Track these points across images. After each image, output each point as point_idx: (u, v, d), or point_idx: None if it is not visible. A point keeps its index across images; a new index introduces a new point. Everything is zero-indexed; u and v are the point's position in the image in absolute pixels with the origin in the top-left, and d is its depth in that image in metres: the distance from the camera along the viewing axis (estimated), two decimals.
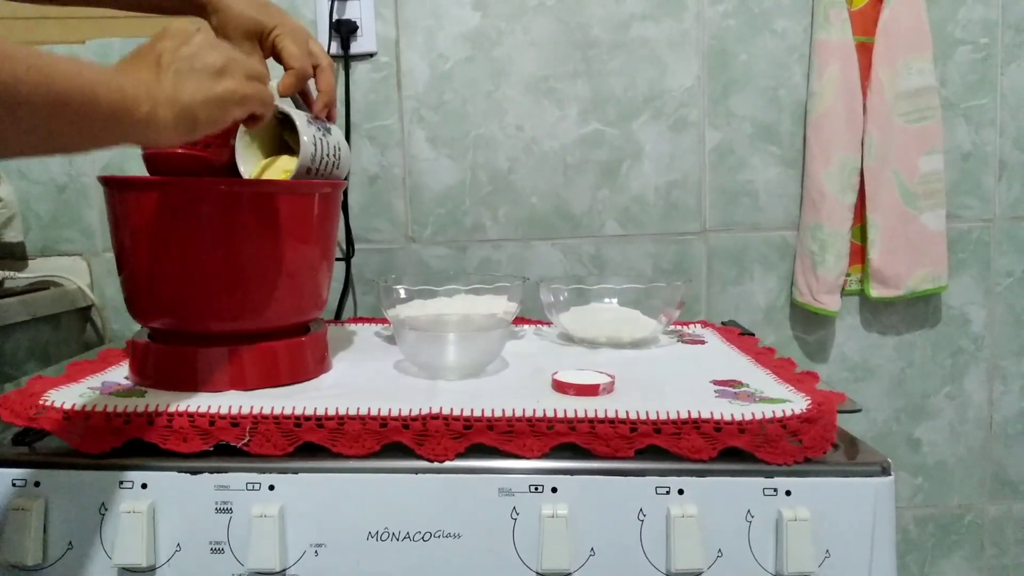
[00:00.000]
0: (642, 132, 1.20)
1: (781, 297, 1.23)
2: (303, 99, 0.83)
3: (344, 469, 0.65)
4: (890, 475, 0.64)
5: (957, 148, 1.20)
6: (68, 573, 0.65)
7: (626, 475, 0.64)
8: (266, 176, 0.79)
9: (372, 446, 0.66)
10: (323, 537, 0.64)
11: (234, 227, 0.73)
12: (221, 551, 0.64)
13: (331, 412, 0.67)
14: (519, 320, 1.09)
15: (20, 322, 1.05)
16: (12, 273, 1.19)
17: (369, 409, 0.67)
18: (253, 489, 0.65)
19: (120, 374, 0.80)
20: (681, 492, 0.63)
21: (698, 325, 1.10)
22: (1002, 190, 1.21)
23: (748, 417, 0.65)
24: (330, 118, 0.82)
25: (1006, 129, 1.20)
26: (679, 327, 1.08)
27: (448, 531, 0.64)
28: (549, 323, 1.05)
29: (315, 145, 0.77)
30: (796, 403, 0.68)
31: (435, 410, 0.66)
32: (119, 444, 0.66)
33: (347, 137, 1.18)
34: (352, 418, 0.66)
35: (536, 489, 0.64)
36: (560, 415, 0.66)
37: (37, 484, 0.66)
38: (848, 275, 1.19)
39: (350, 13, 1.17)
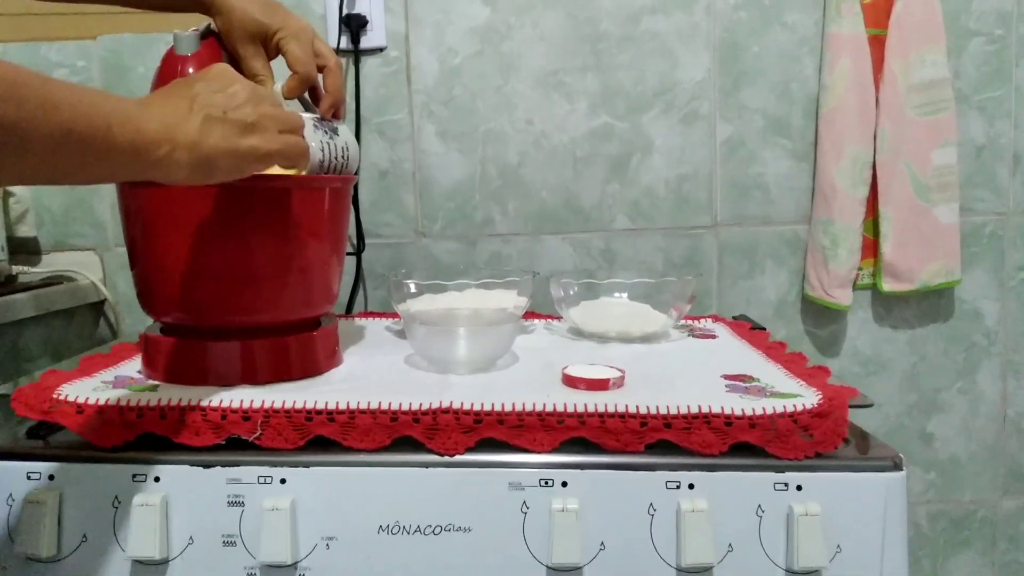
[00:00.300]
0: (652, 125, 1.20)
1: (792, 291, 1.23)
2: (311, 97, 0.83)
3: (355, 463, 0.65)
4: (902, 470, 0.64)
5: (971, 141, 1.19)
6: (82, 565, 0.66)
7: (636, 469, 0.64)
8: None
9: (383, 440, 0.66)
10: (334, 530, 0.65)
11: (245, 222, 0.73)
12: (233, 544, 0.65)
13: (342, 406, 0.67)
14: (529, 314, 1.09)
15: (33, 317, 1.06)
16: (25, 268, 1.20)
17: (380, 403, 0.67)
18: (265, 483, 0.65)
19: (133, 368, 0.81)
20: (691, 487, 0.63)
21: (709, 319, 1.10)
22: (1016, 183, 1.20)
23: (759, 412, 0.65)
24: (337, 117, 0.82)
25: (1021, 122, 1.19)
26: (690, 321, 1.07)
27: (458, 525, 0.64)
28: (559, 317, 1.05)
29: (322, 151, 0.77)
30: (807, 398, 0.68)
31: (445, 404, 0.66)
32: (132, 438, 0.67)
33: (357, 132, 1.18)
34: (363, 412, 0.67)
35: (546, 483, 0.64)
36: (570, 409, 0.66)
37: (52, 477, 0.66)
38: (860, 269, 1.19)
39: (360, 8, 1.17)
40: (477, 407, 0.66)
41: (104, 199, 1.23)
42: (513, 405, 0.66)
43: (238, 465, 0.65)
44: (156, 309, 0.78)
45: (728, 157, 1.20)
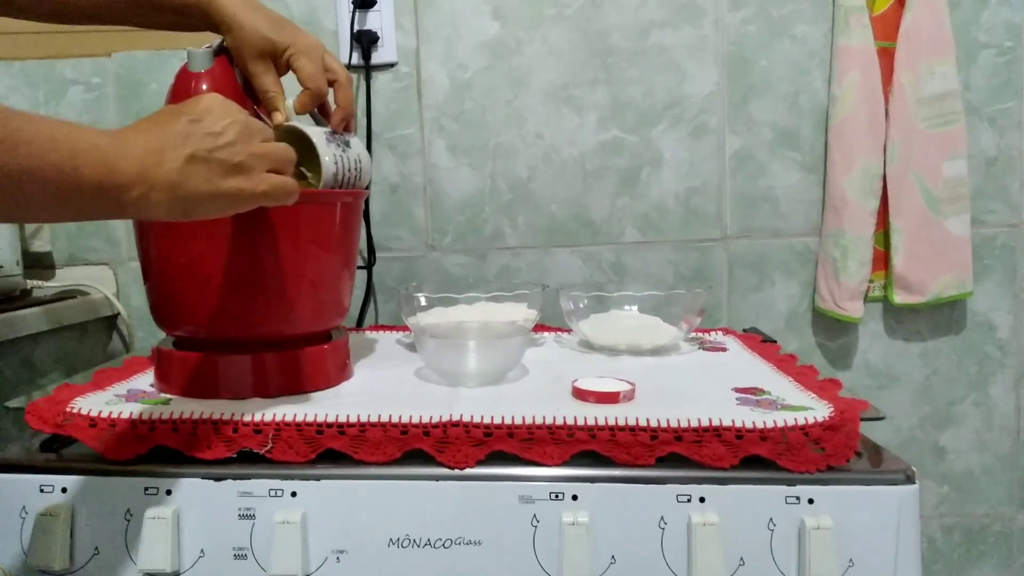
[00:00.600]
0: (661, 139, 1.20)
1: (803, 304, 1.23)
2: (320, 113, 0.83)
3: (366, 476, 0.65)
4: (915, 483, 0.63)
5: (982, 153, 1.19)
6: None
7: (647, 483, 0.64)
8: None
9: (393, 453, 0.66)
10: (345, 543, 0.65)
11: (258, 236, 0.73)
12: (244, 557, 0.65)
13: (352, 419, 0.67)
14: (539, 327, 1.09)
15: (47, 331, 1.07)
16: (40, 282, 1.21)
17: (390, 416, 0.67)
18: (276, 496, 0.65)
19: (145, 382, 0.81)
20: (702, 500, 0.63)
21: (719, 332, 1.09)
22: None
23: (770, 425, 0.64)
24: (348, 130, 0.83)
25: None
26: (700, 334, 1.07)
27: (469, 538, 0.64)
28: (569, 330, 1.05)
29: (336, 163, 0.77)
30: (819, 410, 0.67)
31: (455, 417, 0.66)
32: (144, 451, 0.67)
33: (368, 146, 1.19)
34: (373, 425, 0.67)
35: (556, 496, 0.64)
36: (580, 423, 0.66)
37: (64, 490, 0.67)
38: (871, 281, 1.18)
39: (371, 24, 1.18)
40: (487, 420, 0.66)
41: None
42: (523, 418, 0.66)
43: (249, 478, 0.65)
44: (169, 323, 0.79)
45: (737, 170, 1.21)
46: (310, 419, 0.68)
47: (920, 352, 1.22)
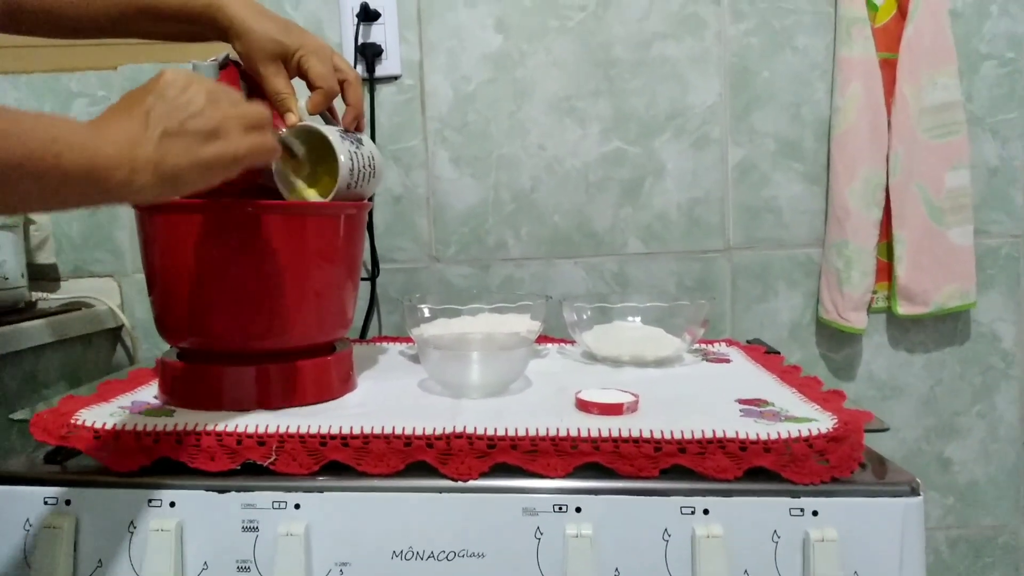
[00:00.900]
0: (664, 150, 1.21)
1: (807, 315, 1.23)
2: (330, 114, 0.84)
3: (369, 488, 0.65)
4: (919, 495, 0.63)
5: (984, 163, 1.19)
6: None
7: (651, 495, 0.64)
8: (304, 190, 0.80)
9: (396, 465, 0.66)
10: (348, 556, 0.65)
11: (262, 248, 0.73)
12: (247, 569, 0.65)
13: (356, 431, 0.67)
14: (542, 339, 1.09)
15: (52, 343, 1.07)
16: (44, 294, 1.21)
17: (394, 428, 0.67)
18: (279, 508, 0.65)
19: (149, 393, 0.81)
20: (706, 512, 0.63)
21: (723, 343, 1.09)
22: None
23: (774, 436, 0.64)
24: (359, 129, 0.83)
25: None
26: (703, 345, 1.07)
27: (472, 550, 0.64)
28: (572, 342, 1.05)
29: (351, 160, 0.77)
30: (822, 422, 0.67)
31: (459, 429, 0.66)
32: (148, 463, 0.67)
33: None
34: (377, 437, 0.67)
35: (560, 509, 0.64)
36: (584, 434, 0.66)
37: (68, 502, 0.67)
38: (874, 292, 1.18)
39: (375, 37, 1.19)
40: (491, 432, 0.66)
41: (123, 226, 1.25)
42: (527, 430, 0.66)
43: (253, 490, 0.66)
44: (173, 334, 0.79)
45: (740, 181, 1.21)
46: (313, 431, 0.68)
47: (924, 363, 1.22)
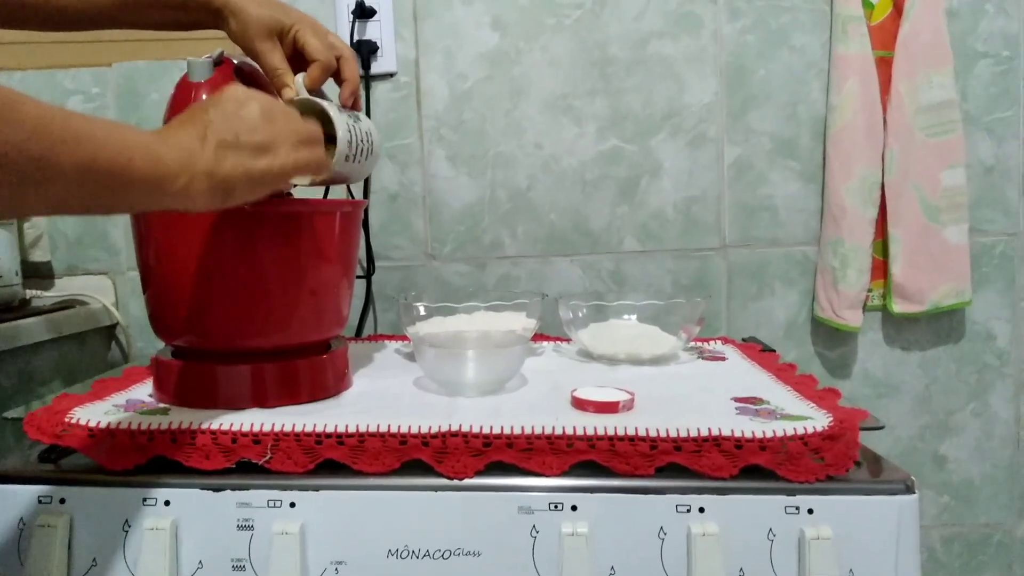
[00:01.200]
0: (660, 148, 1.21)
1: (802, 313, 1.23)
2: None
3: (364, 486, 0.65)
4: (914, 493, 0.63)
5: (980, 162, 1.19)
6: None
7: (646, 493, 0.64)
8: None
9: (392, 463, 0.66)
10: (343, 554, 0.65)
11: (257, 246, 0.73)
12: (243, 568, 0.65)
13: (351, 429, 0.67)
14: (538, 337, 1.09)
15: (46, 340, 1.07)
16: (39, 292, 1.21)
17: (389, 426, 0.67)
18: (274, 506, 0.65)
19: (144, 392, 0.81)
20: (702, 510, 0.63)
21: (718, 341, 1.09)
22: None
23: (769, 434, 0.64)
24: (356, 106, 0.82)
25: None
26: (699, 343, 1.07)
27: (468, 549, 0.64)
28: (568, 340, 1.05)
29: (350, 131, 0.77)
30: (818, 420, 0.67)
31: (454, 427, 0.66)
32: (143, 461, 0.67)
33: None
34: (372, 435, 0.67)
35: (556, 507, 0.64)
36: (580, 432, 0.66)
37: (63, 501, 0.66)
38: (870, 290, 1.18)
39: (371, 34, 1.19)
40: (486, 430, 0.66)
41: (118, 224, 1.25)
42: (522, 428, 0.66)
43: (248, 489, 0.65)
44: (167, 332, 0.79)
45: (736, 179, 1.21)
46: (309, 429, 0.68)
47: (919, 361, 1.22)
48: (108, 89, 1.22)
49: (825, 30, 1.18)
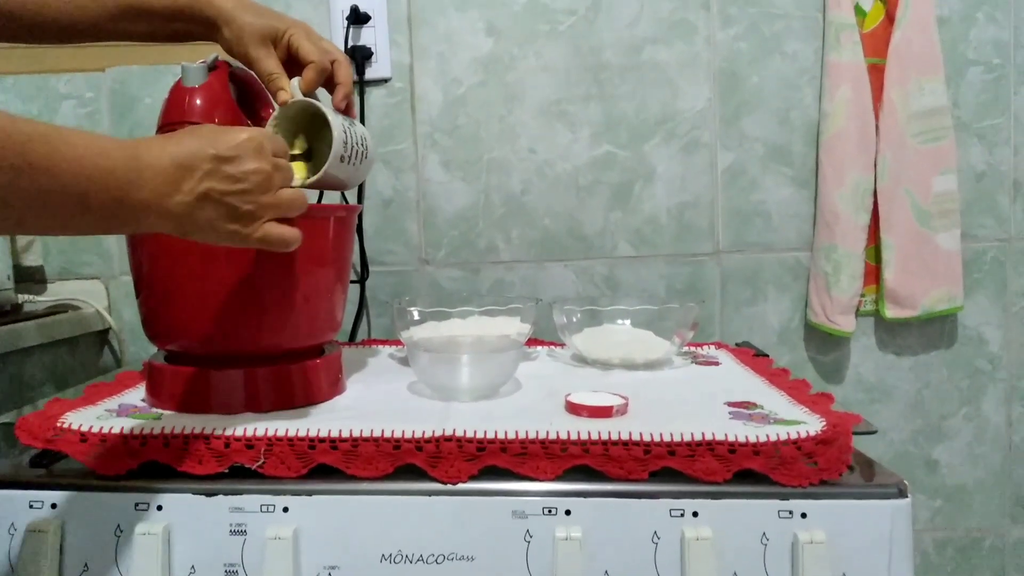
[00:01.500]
0: (654, 154, 1.21)
1: (795, 318, 1.23)
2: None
3: (358, 491, 0.65)
4: (907, 497, 0.63)
5: (971, 168, 1.20)
6: None
7: (640, 497, 0.64)
8: (298, 169, 0.79)
9: (386, 468, 0.66)
10: (337, 559, 0.64)
11: (250, 251, 0.73)
12: (235, 573, 0.65)
13: (345, 434, 0.67)
14: (532, 341, 1.09)
15: (38, 345, 1.06)
16: (31, 296, 1.20)
17: (383, 431, 0.67)
18: (267, 511, 0.65)
19: (137, 396, 0.81)
20: (696, 515, 0.63)
21: (712, 346, 1.10)
22: (1017, 210, 1.20)
23: (763, 439, 0.64)
24: (349, 111, 0.82)
25: (1020, 149, 1.20)
26: (693, 348, 1.07)
27: (461, 553, 0.64)
28: (562, 344, 1.05)
29: (345, 132, 0.77)
30: (811, 424, 0.68)
31: (448, 432, 0.66)
32: (135, 466, 0.67)
33: None
34: (366, 440, 0.67)
35: (549, 511, 0.64)
36: (573, 437, 0.66)
37: (54, 506, 0.66)
38: (863, 296, 1.19)
39: (365, 39, 1.19)
40: (480, 435, 0.66)
41: None
42: (516, 433, 0.66)
43: (241, 493, 0.65)
44: (160, 337, 0.79)
45: (729, 185, 1.21)
46: (302, 434, 0.67)
47: (912, 366, 1.23)
48: (102, 94, 1.22)
49: (817, 37, 1.18)
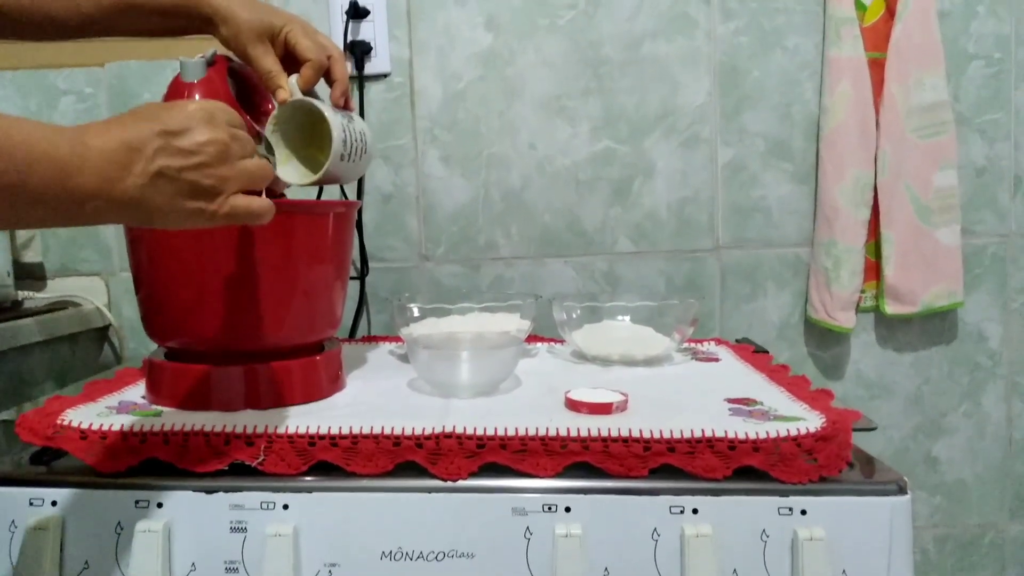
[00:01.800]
0: (654, 149, 1.21)
1: (795, 314, 1.23)
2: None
3: (358, 488, 0.65)
4: (907, 494, 0.63)
5: (971, 163, 1.19)
6: None
7: (640, 494, 0.64)
8: (297, 168, 0.79)
9: (386, 465, 0.66)
10: (337, 556, 0.64)
11: (249, 247, 0.73)
12: (236, 570, 0.65)
13: (345, 431, 0.67)
14: (532, 338, 1.09)
15: (38, 342, 1.06)
16: (31, 293, 1.20)
17: (383, 428, 0.67)
18: (267, 508, 0.65)
19: (137, 393, 0.81)
20: (695, 511, 0.63)
21: (712, 342, 1.10)
22: (1017, 205, 1.20)
23: (762, 435, 0.64)
24: (347, 106, 0.82)
25: (1021, 144, 1.19)
26: (692, 344, 1.07)
27: (461, 550, 0.64)
28: (562, 341, 1.05)
29: (344, 131, 0.77)
30: (811, 421, 0.67)
31: (448, 429, 0.66)
32: (135, 463, 0.67)
33: None
34: (366, 437, 0.67)
35: (549, 508, 0.64)
36: (573, 434, 0.66)
37: (54, 503, 0.66)
38: (863, 292, 1.19)
39: (364, 34, 1.19)
40: (480, 432, 0.66)
41: (111, 225, 1.24)
42: (516, 429, 0.66)
43: (241, 491, 0.65)
44: (160, 334, 0.79)
45: (729, 180, 1.21)
46: (302, 431, 0.67)
47: (912, 362, 1.23)
48: (101, 89, 1.22)
49: (818, 32, 1.18)
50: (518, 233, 1.22)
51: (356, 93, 1.19)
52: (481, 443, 0.66)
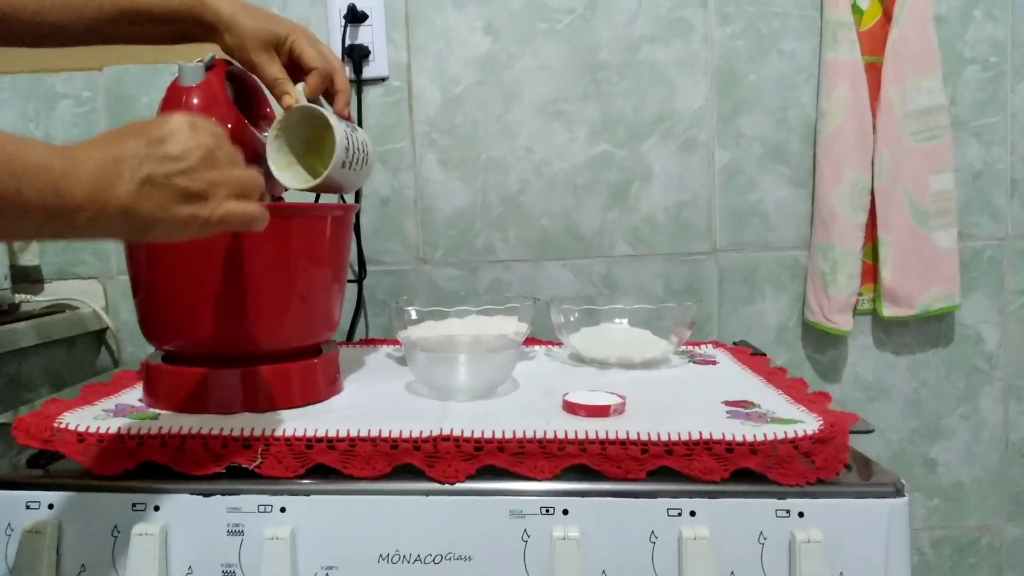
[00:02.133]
0: (651, 153, 1.21)
1: (793, 317, 1.23)
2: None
3: (355, 491, 0.65)
4: (904, 496, 0.63)
5: (968, 167, 1.20)
6: None
7: (637, 497, 0.64)
8: (298, 173, 0.80)
9: (383, 468, 0.66)
10: (334, 559, 0.64)
11: (247, 250, 0.73)
12: (233, 574, 0.64)
13: (342, 434, 0.67)
14: (530, 341, 1.09)
15: (35, 345, 1.06)
16: (28, 296, 1.20)
17: (380, 431, 0.67)
18: (265, 511, 0.65)
19: (134, 396, 0.81)
20: (693, 514, 0.63)
21: (709, 345, 1.10)
22: (1014, 208, 1.21)
23: (760, 438, 0.64)
24: (348, 117, 0.83)
25: (1017, 147, 1.20)
26: (690, 347, 1.07)
27: (459, 553, 0.64)
28: (560, 344, 1.05)
29: (347, 139, 0.77)
30: (808, 423, 0.68)
31: (446, 431, 0.66)
32: (132, 466, 0.67)
33: None
34: (363, 440, 0.67)
35: (547, 511, 0.64)
36: (571, 436, 0.66)
37: (51, 506, 0.66)
38: (860, 294, 1.19)
39: (362, 38, 1.19)
40: (478, 434, 0.66)
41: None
42: (514, 432, 0.66)
43: (238, 494, 0.65)
44: (158, 337, 0.79)
45: (727, 184, 1.21)
46: (300, 434, 0.67)
47: (909, 365, 1.23)
48: (99, 93, 1.22)
49: (815, 36, 1.18)
50: (516, 236, 1.23)
51: (354, 97, 1.19)
52: (479, 446, 0.66)
